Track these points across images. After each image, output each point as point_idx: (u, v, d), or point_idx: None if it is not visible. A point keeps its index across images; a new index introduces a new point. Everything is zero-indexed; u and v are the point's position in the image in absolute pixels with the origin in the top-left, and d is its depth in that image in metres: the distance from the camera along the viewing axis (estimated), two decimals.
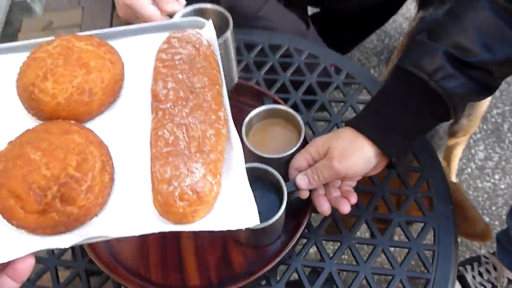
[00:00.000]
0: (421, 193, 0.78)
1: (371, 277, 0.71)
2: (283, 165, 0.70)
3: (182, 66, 0.53)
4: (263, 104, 0.75)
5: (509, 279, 1.50)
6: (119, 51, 0.58)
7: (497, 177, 1.74)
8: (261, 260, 0.71)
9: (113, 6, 1.99)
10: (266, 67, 0.95)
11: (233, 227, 0.45)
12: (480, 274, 1.50)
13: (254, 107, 0.74)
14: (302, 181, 0.66)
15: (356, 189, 0.71)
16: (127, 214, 0.47)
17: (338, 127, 0.85)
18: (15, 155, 0.46)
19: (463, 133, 1.15)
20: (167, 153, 0.47)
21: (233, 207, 0.46)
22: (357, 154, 0.64)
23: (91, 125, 0.54)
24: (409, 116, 0.65)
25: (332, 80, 0.92)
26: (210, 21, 0.60)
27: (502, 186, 1.72)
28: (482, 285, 1.51)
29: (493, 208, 1.68)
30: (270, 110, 0.74)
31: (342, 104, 0.89)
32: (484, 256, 1.49)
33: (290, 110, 0.73)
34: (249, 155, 0.66)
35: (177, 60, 0.53)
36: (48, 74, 0.52)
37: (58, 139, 0.47)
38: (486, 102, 1.17)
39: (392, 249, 0.74)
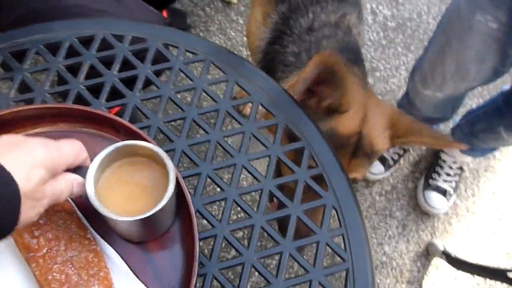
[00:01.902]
0: (310, 173, 0.68)
1: None
2: (154, 221, 0.54)
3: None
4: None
5: None
6: None
7: None
8: None
9: None
10: (84, 70, 0.73)
11: None
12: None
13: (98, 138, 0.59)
14: None
15: None
16: None
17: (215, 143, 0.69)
18: None
19: None
20: None
21: None
22: None
23: None
24: None
25: (172, 64, 0.74)
26: None
27: None
28: (397, 153, 1.59)
29: None
30: (119, 150, 0.54)
31: (192, 92, 0.73)
32: None
33: (148, 145, 0.54)
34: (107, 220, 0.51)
35: None
36: None
37: None
38: None
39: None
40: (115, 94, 0.72)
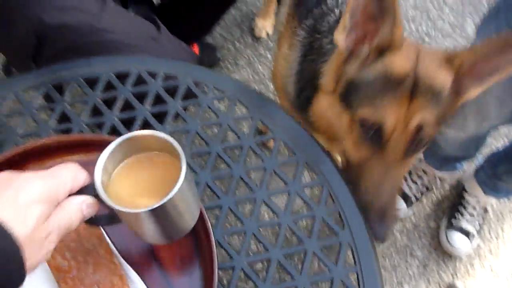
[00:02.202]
0: (328, 210, 0.71)
1: None
2: (168, 216, 0.52)
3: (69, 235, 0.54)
4: None
5: (440, 179, 1.61)
6: None
7: None
8: None
9: None
10: (119, 104, 0.78)
11: None
12: (414, 182, 1.59)
13: None
14: None
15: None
16: None
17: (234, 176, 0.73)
18: None
19: None
20: None
21: None
22: None
23: None
24: None
25: (200, 101, 0.79)
26: None
27: None
28: (420, 191, 1.59)
29: None
30: (129, 142, 0.52)
31: (218, 127, 0.77)
32: (412, 166, 1.59)
33: (159, 135, 0.52)
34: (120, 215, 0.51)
35: None
36: None
37: None
38: None
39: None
40: (146, 126, 0.76)
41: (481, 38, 1.08)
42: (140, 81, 0.81)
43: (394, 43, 0.74)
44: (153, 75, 0.81)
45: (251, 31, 1.96)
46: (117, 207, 0.47)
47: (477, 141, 1.42)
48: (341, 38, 0.76)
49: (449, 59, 0.75)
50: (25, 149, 0.65)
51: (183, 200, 0.51)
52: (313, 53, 0.94)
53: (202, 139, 0.76)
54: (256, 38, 1.95)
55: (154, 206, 0.47)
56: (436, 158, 1.57)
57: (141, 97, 0.79)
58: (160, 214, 0.49)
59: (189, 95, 0.80)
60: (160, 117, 0.78)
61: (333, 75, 0.81)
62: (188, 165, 0.50)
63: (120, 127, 0.75)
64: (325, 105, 0.84)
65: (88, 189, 0.49)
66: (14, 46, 1.10)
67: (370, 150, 0.77)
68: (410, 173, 1.62)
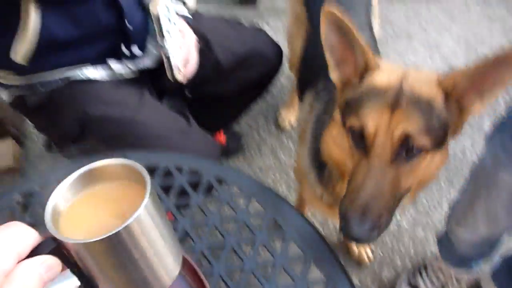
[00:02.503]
0: None
1: None
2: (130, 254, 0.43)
3: None
4: None
5: (457, 279, 1.58)
6: None
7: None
8: None
9: None
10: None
11: None
12: (431, 280, 1.57)
13: None
14: None
15: None
16: None
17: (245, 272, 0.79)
18: None
19: None
20: None
21: None
22: None
23: None
24: None
25: (220, 196, 0.87)
26: None
27: None
28: None
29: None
30: (87, 176, 0.46)
31: (233, 223, 0.84)
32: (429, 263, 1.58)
33: (118, 162, 0.46)
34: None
35: None
36: None
37: None
38: None
39: None
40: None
41: (489, 150, 1.14)
42: (167, 174, 0.90)
43: (370, 65, 0.83)
44: (179, 169, 0.90)
45: (275, 121, 2.08)
46: (67, 239, 0.39)
47: (492, 242, 1.43)
48: (333, 74, 0.87)
49: (439, 78, 0.80)
50: None
51: (145, 233, 0.42)
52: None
53: (219, 232, 0.83)
54: (280, 128, 2.06)
55: (107, 234, 0.39)
56: (452, 256, 1.57)
57: (166, 189, 0.88)
58: (117, 248, 0.41)
59: (210, 189, 0.89)
60: (182, 207, 0.86)
61: (338, 107, 0.89)
62: (158, 196, 0.47)
63: None
64: (334, 132, 0.91)
65: (42, 247, 0.39)
66: (58, 132, 1.23)
67: (359, 156, 0.82)
68: (426, 269, 1.62)
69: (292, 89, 2.04)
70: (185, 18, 1.24)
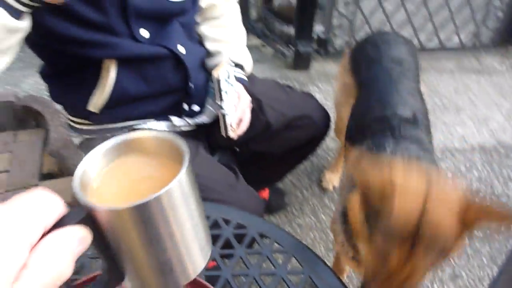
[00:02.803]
0: None
1: None
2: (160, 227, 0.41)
3: None
4: None
5: None
6: None
7: None
8: None
9: (42, 149, 1.98)
10: None
11: None
12: None
13: None
14: None
15: None
16: None
17: None
18: None
19: None
20: None
21: None
22: None
23: None
24: None
25: (262, 251, 0.92)
26: None
27: None
28: None
29: None
30: (125, 144, 0.46)
31: (272, 277, 0.89)
32: None
33: (160, 135, 0.46)
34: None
35: None
36: None
37: None
38: None
39: None
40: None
41: None
42: (215, 225, 0.97)
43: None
44: (227, 221, 0.97)
45: (319, 182, 2.13)
46: (99, 206, 0.38)
47: None
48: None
49: (462, 208, 0.79)
50: None
51: (179, 206, 0.41)
52: None
53: (258, 284, 0.87)
54: (323, 189, 2.11)
55: (139, 202, 0.38)
56: None
57: (214, 239, 0.94)
58: (147, 220, 0.39)
59: (253, 242, 0.94)
60: (227, 257, 0.92)
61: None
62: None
63: None
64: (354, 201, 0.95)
65: (69, 217, 0.36)
66: None
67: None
68: None
69: (337, 152, 2.10)
70: (241, 80, 1.35)
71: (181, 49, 1.21)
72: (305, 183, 2.15)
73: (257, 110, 1.41)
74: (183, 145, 0.43)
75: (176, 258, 0.44)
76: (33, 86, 2.67)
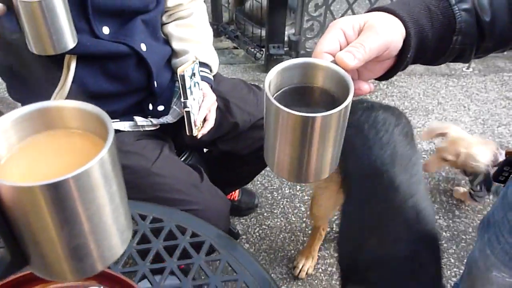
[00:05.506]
0: None
1: None
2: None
3: None
4: None
5: None
6: None
7: None
8: None
9: None
10: (151, 255, 0.90)
11: None
12: None
13: None
14: (348, 57, 0.53)
15: None
16: None
17: None
18: None
19: None
20: None
21: None
22: (393, 26, 0.57)
23: None
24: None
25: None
26: None
27: None
28: None
29: None
30: (41, 114, 0.41)
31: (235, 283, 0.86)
32: None
33: (85, 107, 0.41)
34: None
35: None
36: None
37: None
38: None
39: None
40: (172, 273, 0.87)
41: (480, 248, 1.13)
42: (171, 235, 0.94)
43: None
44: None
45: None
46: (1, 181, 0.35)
47: None
48: None
49: None
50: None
51: (99, 187, 0.38)
52: None
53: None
54: (293, 190, 2.10)
55: (52, 181, 0.35)
56: None
57: (170, 249, 0.91)
58: (61, 200, 0.36)
59: (212, 251, 0.92)
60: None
61: None
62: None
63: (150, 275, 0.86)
64: None
65: None
66: None
67: None
68: None
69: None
70: (207, 79, 1.32)
71: (143, 47, 1.17)
72: (275, 185, 2.13)
73: (224, 110, 1.38)
74: (108, 122, 0.39)
75: (94, 242, 0.40)
76: None
